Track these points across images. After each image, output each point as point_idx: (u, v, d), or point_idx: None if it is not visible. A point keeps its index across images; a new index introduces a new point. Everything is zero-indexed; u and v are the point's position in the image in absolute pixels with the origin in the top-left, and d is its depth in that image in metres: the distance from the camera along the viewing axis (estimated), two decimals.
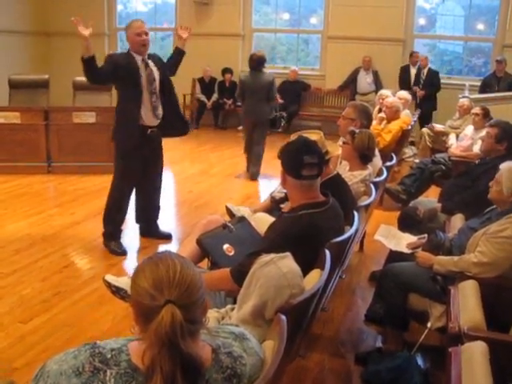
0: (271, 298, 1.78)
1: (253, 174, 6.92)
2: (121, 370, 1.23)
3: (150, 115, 4.13)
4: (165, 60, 4.35)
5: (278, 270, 1.82)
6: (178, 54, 4.42)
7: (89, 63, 3.82)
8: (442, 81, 9.84)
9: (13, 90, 7.48)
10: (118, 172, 4.30)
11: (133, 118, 4.08)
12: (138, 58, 4.06)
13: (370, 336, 3.24)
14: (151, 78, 4.09)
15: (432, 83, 9.29)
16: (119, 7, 12.12)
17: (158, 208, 4.65)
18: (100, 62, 3.95)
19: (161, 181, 4.60)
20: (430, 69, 9.44)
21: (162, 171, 4.56)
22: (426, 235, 3.23)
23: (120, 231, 4.44)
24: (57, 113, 6.67)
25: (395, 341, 2.95)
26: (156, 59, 4.22)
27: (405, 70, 9.50)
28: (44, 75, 7.82)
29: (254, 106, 6.77)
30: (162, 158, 4.49)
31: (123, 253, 4.31)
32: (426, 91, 9.18)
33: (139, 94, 4.04)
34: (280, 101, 10.20)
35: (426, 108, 8.98)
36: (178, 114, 4.40)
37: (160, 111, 4.18)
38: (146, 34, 4.06)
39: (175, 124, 4.32)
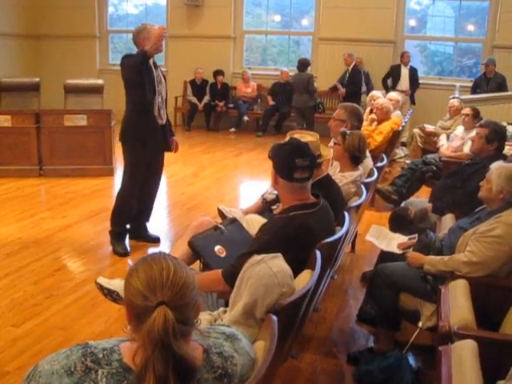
0: (261, 297, 1.79)
1: None
2: (112, 370, 1.24)
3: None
4: None
5: (268, 269, 1.83)
6: (170, 131, 4.49)
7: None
8: (432, 82, 9.93)
9: (3, 93, 7.45)
10: (128, 168, 4.30)
11: (153, 113, 4.14)
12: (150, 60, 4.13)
13: (361, 336, 3.26)
14: (159, 79, 4.17)
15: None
16: (110, 9, 12.07)
17: (151, 209, 4.64)
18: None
19: (160, 182, 4.61)
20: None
21: (161, 173, 4.58)
22: (416, 235, 3.24)
23: (127, 231, 4.45)
24: (48, 116, 6.63)
25: (387, 340, 2.96)
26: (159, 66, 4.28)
27: (396, 69, 9.51)
28: (35, 78, 7.82)
29: (299, 97, 9.49)
30: (163, 158, 4.52)
31: (126, 255, 4.29)
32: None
33: (154, 91, 4.11)
34: (271, 102, 10.27)
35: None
36: (164, 128, 4.39)
37: (163, 113, 4.26)
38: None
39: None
